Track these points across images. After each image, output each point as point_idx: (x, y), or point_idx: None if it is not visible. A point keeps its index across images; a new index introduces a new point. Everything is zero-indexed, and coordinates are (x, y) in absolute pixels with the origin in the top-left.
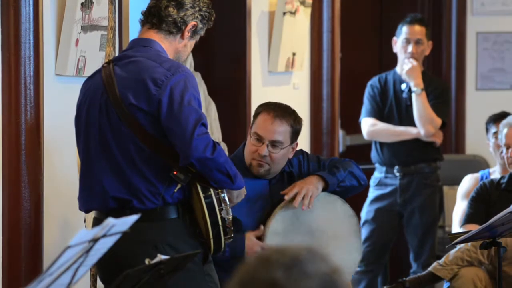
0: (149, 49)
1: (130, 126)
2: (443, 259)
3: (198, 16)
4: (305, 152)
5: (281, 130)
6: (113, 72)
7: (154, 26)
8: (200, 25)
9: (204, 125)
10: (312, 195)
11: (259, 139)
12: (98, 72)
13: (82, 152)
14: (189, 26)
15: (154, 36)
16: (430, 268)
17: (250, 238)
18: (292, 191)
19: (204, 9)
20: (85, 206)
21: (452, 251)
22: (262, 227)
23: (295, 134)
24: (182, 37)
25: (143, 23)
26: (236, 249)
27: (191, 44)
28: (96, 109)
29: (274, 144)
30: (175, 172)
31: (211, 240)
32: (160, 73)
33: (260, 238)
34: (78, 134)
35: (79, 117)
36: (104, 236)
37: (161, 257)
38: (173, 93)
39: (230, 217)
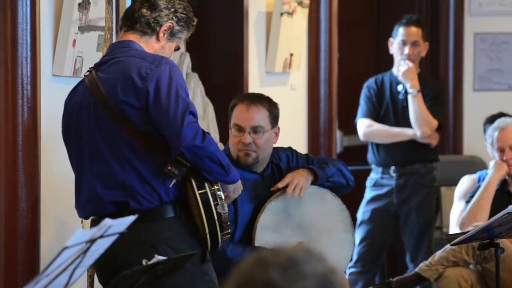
0: (129, 49)
1: (121, 125)
2: (429, 259)
3: (174, 17)
4: (294, 149)
5: (259, 115)
6: (97, 77)
7: (129, 28)
8: (177, 27)
9: (193, 113)
10: (303, 186)
11: (240, 129)
12: (81, 82)
13: (75, 162)
14: (164, 27)
15: (130, 37)
16: (416, 269)
17: None
18: (284, 181)
19: (180, 10)
20: (83, 214)
21: (438, 252)
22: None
23: (273, 118)
24: (157, 38)
25: (120, 27)
26: None
27: (169, 46)
28: (85, 116)
29: (255, 130)
30: (169, 167)
31: (208, 236)
32: (144, 67)
33: (250, 231)
34: (69, 146)
35: (69, 129)
36: (101, 237)
37: (158, 257)
38: (160, 84)
39: (226, 212)
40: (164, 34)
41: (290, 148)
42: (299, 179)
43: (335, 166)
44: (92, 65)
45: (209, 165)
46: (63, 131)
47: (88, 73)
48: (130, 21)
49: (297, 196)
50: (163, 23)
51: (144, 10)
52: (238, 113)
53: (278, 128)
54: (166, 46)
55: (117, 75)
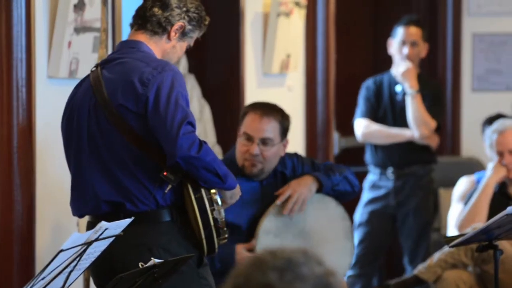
0: (136, 50)
1: (119, 128)
2: (427, 261)
3: (185, 17)
4: (300, 155)
5: (270, 127)
6: (101, 75)
7: (140, 27)
8: (189, 27)
9: (191, 123)
10: (304, 200)
11: (249, 138)
12: (86, 78)
13: (73, 159)
14: (176, 27)
15: (140, 36)
16: (414, 271)
17: (240, 251)
18: (285, 194)
19: (192, 10)
20: (78, 211)
21: (437, 254)
22: (254, 241)
23: (284, 130)
24: (168, 37)
25: (132, 25)
26: (227, 261)
27: (180, 46)
28: (85, 114)
29: (264, 142)
30: (165, 173)
31: (204, 241)
32: (147, 72)
33: (252, 236)
34: (68, 142)
35: (70, 125)
36: (97, 239)
37: (154, 260)
38: (160, 92)
39: (223, 217)
40: (175, 34)
41: (296, 154)
42: (302, 191)
43: (341, 173)
44: (90, 65)
45: (205, 174)
46: (64, 126)
47: (94, 69)
48: (141, 19)
49: (298, 212)
50: (175, 23)
51: (155, 9)
52: (250, 122)
53: (287, 141)
54: (177, 46)
55: (120, 78)
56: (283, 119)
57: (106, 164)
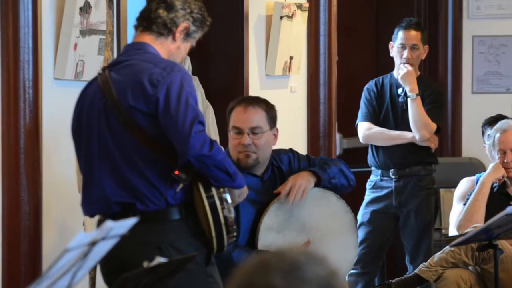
0: (142, 52)
1: (130, 129)
2: (428, 261)
3: (190, 18)
4: (295, 151)
5: (256, 116)
6: (109, 77)
7: (145, 29)
8: (193, 28)
9: (201, 123)
10: (305, 189)
11: (239, 131)
12: (94, 80)
13: (83, 160)
14: (180, 28)
15: (146, 38)
16: (416, 270)
17: None
18: (286, 186)
19: (195, 11)
20: (88, 211)
21: (438, 253)
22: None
23: (271, 118)
24: (174, 38)
25: (136, 27)
26: None
27: (185, 46)
28: (95, 115)
29: (254, 131)
30: (176, 172)
31: (214, 239)
32: (156, 73)
33: (254, 233)
34: (78, 144)
35: (79, 127)
36: (103, 239)
37: (159, 259)
38: (170, 92)
39: (233, 215)
40: (180, 35)
41: (291, 149)
42: (301, 182)
43: (336, 166)
44: (96, 67)
45: (216, 173)
46: (73, 128)
47: (101, 71)
48: (146, 21)
49: (299, 200)
50: (179, 24)
51: (160, 11)
52: (236, 115)
53: (277, 130)
54: (181, 46)
55: (129, 79)
56: (268, 107)
57: (117, 164)
